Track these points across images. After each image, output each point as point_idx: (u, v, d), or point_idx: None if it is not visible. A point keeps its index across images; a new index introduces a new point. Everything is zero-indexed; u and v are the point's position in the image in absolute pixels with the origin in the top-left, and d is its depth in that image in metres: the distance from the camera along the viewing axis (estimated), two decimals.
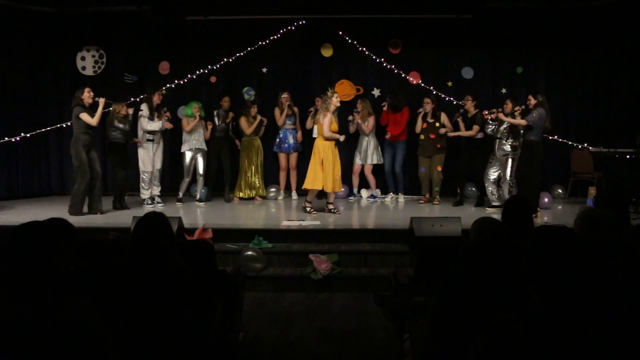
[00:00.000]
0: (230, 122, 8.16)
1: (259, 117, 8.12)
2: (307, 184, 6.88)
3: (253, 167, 8.19)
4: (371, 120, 8.16)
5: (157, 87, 7.90)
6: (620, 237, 2.62)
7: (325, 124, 6.69)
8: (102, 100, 6.85)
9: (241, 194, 8.22)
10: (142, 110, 7.46)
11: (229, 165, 8.15)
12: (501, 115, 6.83)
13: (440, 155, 7.83)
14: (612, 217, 2.73)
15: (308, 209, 6.95)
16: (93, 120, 6.74)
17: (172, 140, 8.42)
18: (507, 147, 6.93)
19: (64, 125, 8.31)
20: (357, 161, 8.31)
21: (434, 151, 7.84)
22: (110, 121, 7.32)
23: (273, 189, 8.45)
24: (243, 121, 8.07)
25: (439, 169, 7.80)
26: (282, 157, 8.39)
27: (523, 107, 6.85)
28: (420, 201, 8.11)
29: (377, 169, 8.47)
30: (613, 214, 2.78)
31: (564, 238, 1.70)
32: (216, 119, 8.02)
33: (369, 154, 8.24)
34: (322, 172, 6.73)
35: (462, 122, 7.65)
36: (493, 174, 7.15)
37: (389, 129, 8.11)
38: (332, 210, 6.98)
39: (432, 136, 7.81)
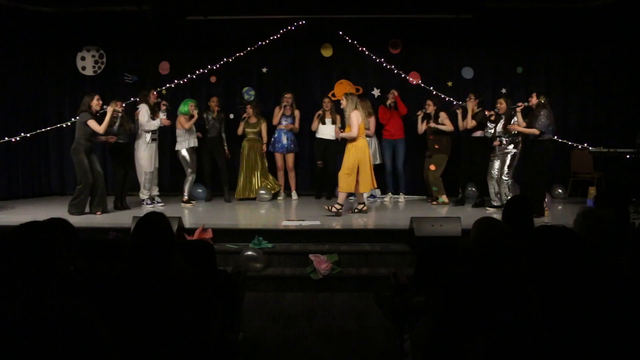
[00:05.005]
0: (223, 121, 8.17)
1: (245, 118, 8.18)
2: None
3: (244, 169, 8.14)
4: (372, 121, 8.15)
5: (153, 86, 7.92)
6: (622, 237, 2.62)
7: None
8: (110, 109, 6.89)
9: (237, 195, 8.21)
10: (140, 110, 7.43)
11: (224, 164, 8.15)
12: (516, 127, 6.75)
13: (438, 155, 7.78)
14: (612, 217, 2.72)
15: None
16: (100, 128, 6.78)
17: (171, 139, 8.41)
18: (506, 145, 6.94)
19: (64, 125, 8.32)
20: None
21: (433, 151, 7.84)
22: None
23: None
24: (241, 124, 8.20)
25: (432, 168, 7.76)
26: (277, 157, 8.35)
27: (526, 103, 6.80)
28: (428, 200, 8.08)
29: (378, 169, 8.47)
30: (613, 214, 2.78)
31: (564, 238, 1.70)
32: (206, 120, 8.04)
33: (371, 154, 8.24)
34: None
35: (461, 116, 7.64)
36: (495, 173, 7.15)
37: (389, 127, 8.12)
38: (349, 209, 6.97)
39: (431, 137, 7.83)
